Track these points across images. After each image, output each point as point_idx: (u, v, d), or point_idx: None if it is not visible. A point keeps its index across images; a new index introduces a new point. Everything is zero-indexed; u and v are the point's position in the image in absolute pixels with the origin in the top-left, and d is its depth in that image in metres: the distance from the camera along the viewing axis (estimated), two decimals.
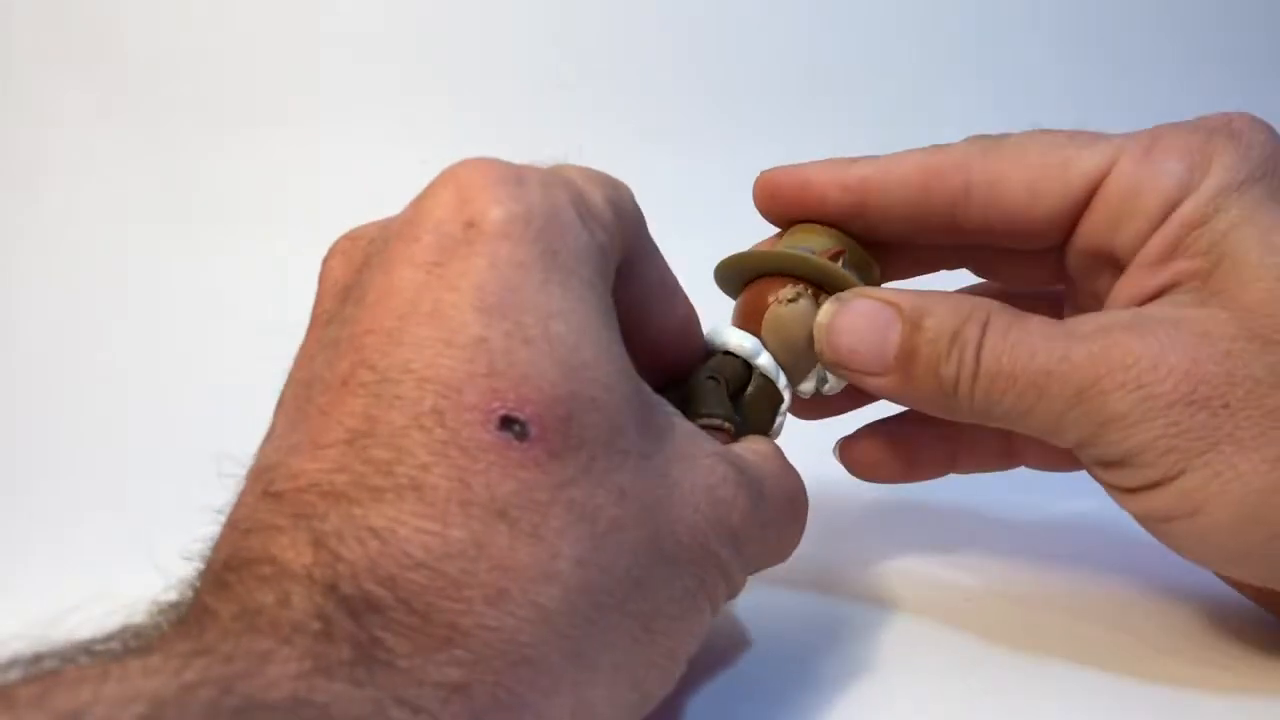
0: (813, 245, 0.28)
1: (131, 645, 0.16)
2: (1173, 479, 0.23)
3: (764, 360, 0.27)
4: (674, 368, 0.27)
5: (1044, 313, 0.28)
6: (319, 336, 0.21)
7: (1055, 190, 0.27)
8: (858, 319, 0.26)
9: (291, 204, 0.63)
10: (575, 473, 0.19)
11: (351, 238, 0.23)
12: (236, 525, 0.19)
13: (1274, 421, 0.22)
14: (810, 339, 0.27)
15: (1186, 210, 0.25)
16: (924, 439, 0.31)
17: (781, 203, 0.29)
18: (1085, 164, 0.26)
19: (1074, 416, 0.24)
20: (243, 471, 0.20)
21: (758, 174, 0.29)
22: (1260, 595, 0.28)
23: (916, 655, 0.28)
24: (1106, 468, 0.25)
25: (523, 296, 0.20)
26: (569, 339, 0.20)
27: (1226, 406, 0.23)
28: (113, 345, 0.55)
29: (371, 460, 0.18)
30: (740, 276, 0.29)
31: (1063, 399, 0.24)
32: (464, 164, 0.22)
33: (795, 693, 0.26)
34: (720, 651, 0.28)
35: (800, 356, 0.28)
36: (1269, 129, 0.26)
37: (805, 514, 0.26)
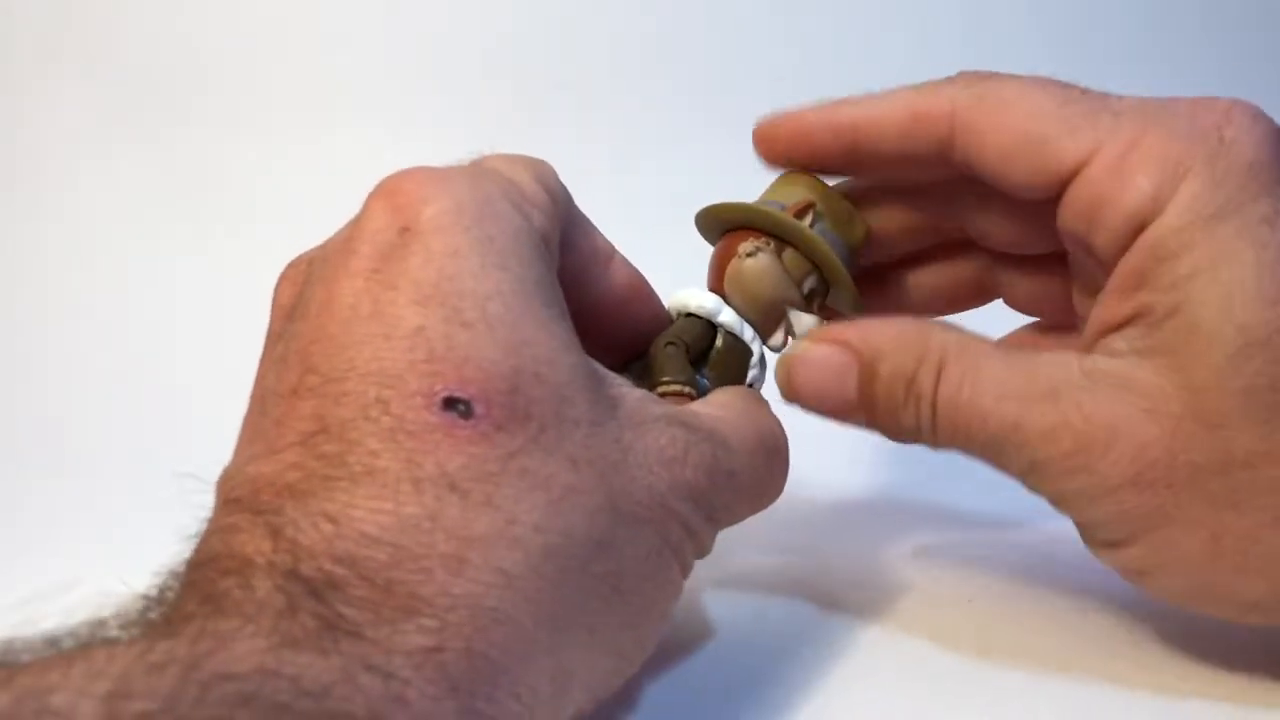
0: (784, 198, 0.28)
1: (99, 636, 0.16)
2: (1126, 545, 0.24)
3: (726, 316, 0.27)
4: (635, 338, 0.28)
5: (1051, 269, 0.29)
6: (269, 355, 0.22)
7: (1032, 168, 0.26)
8: (815, 370, 0.26)
9: (292, 204, 0.63)
10: (524, 443, 0.19)
11: (294, 263, 0.24)
12: (202, 534, 0.19)
13: (1213, 504, 0.23)
14: (773, 291, 0.27)
15: (1150, 238, 0.24)
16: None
17: (780, 149, 0.29)
18: (1062, 153, 0.25)
19: (1031, 481, 0.25)
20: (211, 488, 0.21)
21: (755, 122, 0.29)
22: None
23: (895, 661, 0.28)
24: (1074, 520, 0.25)
25: (459, 284, 0.20)
26: (508, 318, 0.20)
27: (1170, 487, 0.23)
28: (113, 345, 0.55)
29: (323, 455, 0.18)
30: (713, 231, 0.29)
31: (1018, 465, 0.25)
32: (393, 176, 0.22)
33: (777, 696, 0.27)
34: (697, 651, 0.28)
35: (765, 309, 0.27)
36: (1267, 130, 0.24)
37: (782, 456, 0.26)
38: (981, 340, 0.26)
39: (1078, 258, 0.28)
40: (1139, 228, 0.24)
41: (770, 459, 0.25)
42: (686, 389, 0.26)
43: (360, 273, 0.21)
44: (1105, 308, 0.25)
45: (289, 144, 0.65)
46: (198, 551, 0.19)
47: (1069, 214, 0.26)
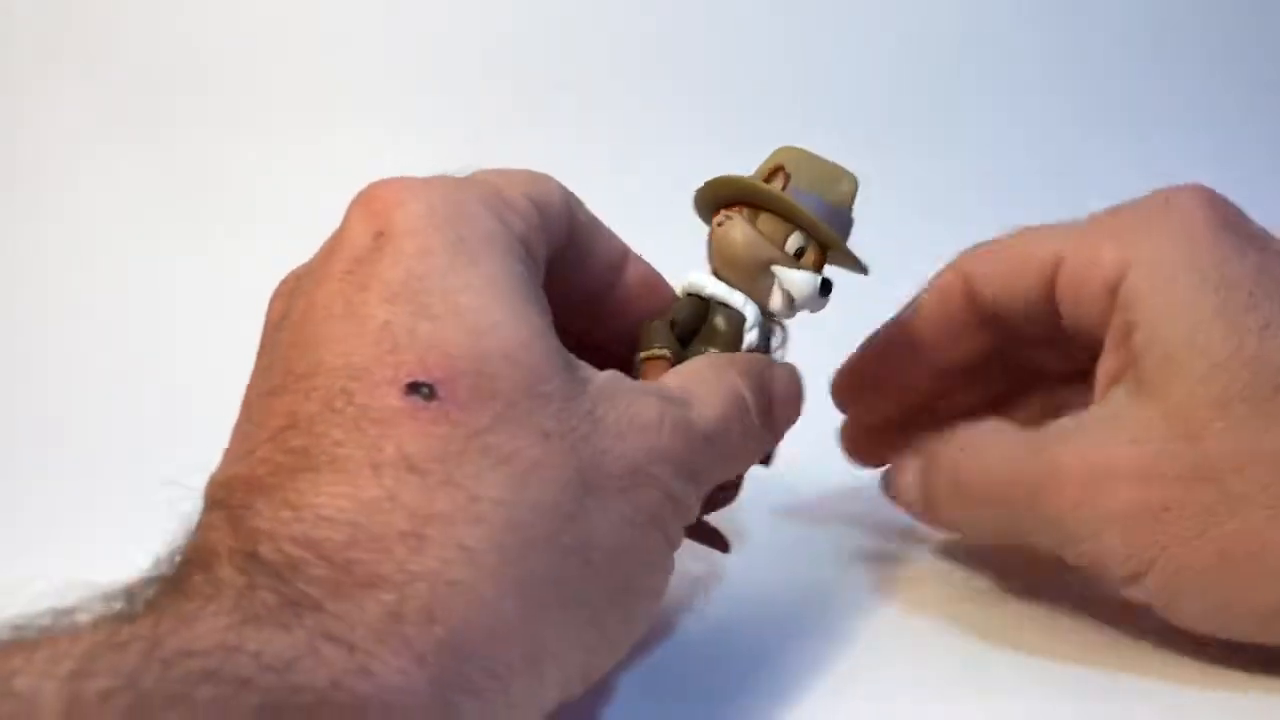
0: (759, 169, 0.29)
1: (64, 624, 0.16)
2: (1141, 577, 0.25)
3: (711, 288, 0.28)
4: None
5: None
6: (257, 366, 0.23)
7: (1025, 278, 0.29)
8: (904, 489, 0.30)
9: (292, 204, 0.64)
10: (489, 421, 0.19)
11: (285, 279, 0.25)
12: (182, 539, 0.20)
13: (1209, 518, 0.24)
14: (747, 254, 0.27)
15: (1125, 294, 0.27)
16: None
17: (849, 398, 0.34)
18: (1041, 253, 0.29)
19: (1046, 540, 0.27)
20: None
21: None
22: None
23: (908, 650, 0.28)
24: (1084, 569, 0.26)
25: (428, 281, 0.21)
26: (475, 306, 0.21)
27: (1168, 509, 0.24)
28: (112, 345, 0.55)
29: (291, 450, 0.19)
30: (708, 214, 0.29)
31: (1032, 525, 0.27)
32: (371, 186, 0.23)
33: (784, 684, 0.27)
34: (696, 642, 0.29)
35: (746, 273, 0.28)
36: (1209, 194, 0.27)
37: (751, 416, 0.26)
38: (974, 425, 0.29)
39: (1092, 352, 0.30)
40: (1112, 290, 0.27)
41: (742, 419, 0.25)
42: (664, 352, 0.27)
43: (335, 276, 0.21)
44: (1104, 366, 0.28)
45: (289, 144, 0.65)
46: (173, 554, 0.19)
47: (1062, 304, 0.29)
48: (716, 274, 0.28)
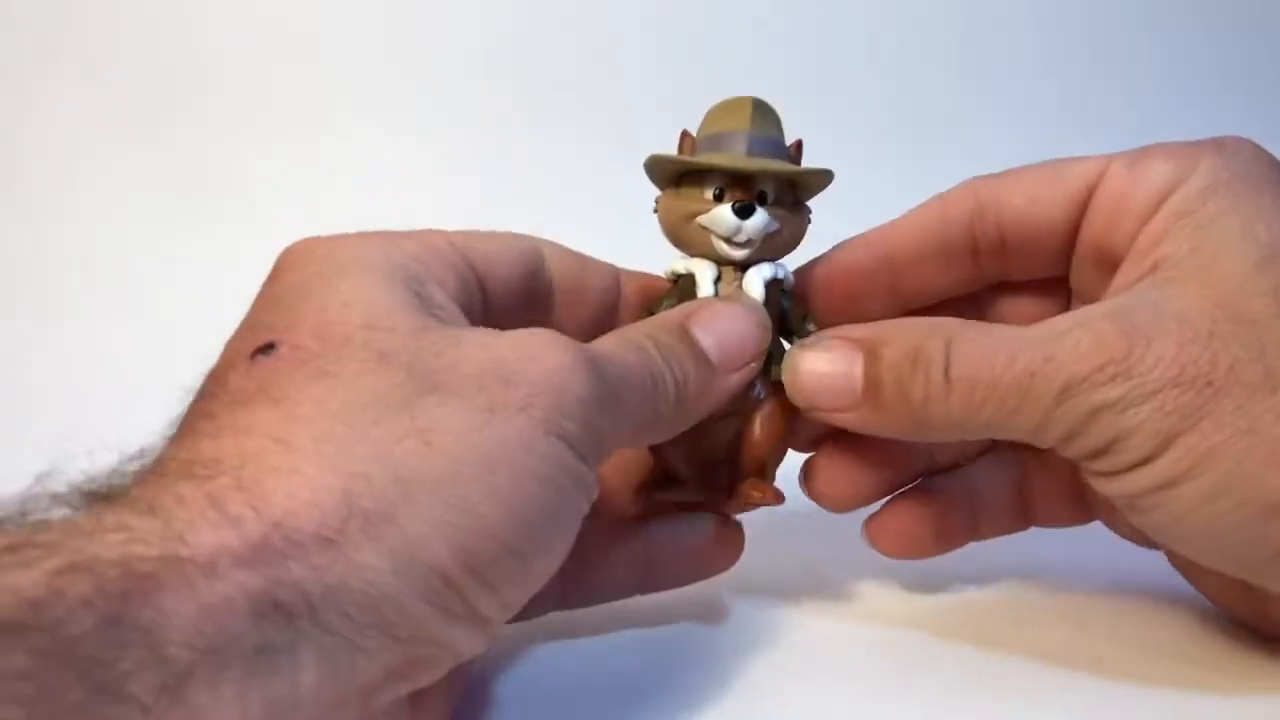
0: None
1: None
2: (1154, 458, 0.24)
3: (677, 264, 0.29)
4: None
5: (1055, 306, 0.30)
6: None
7: (1053, 198, 0.28)
8: (818, 362, 0.27)
9: (292, 204, 0.64)
10: (320, 349, 0.22)
11: None
12: None
13: (1251, 395, 0.24)
14: (670, 216, 0.29)
15: (1174, 203, 0.26)
16: (947, 507, 0.31)
17: (837, 309, 0.30)
18: (1079, 172, 0.28)
19: (1060, 413, 0.25)
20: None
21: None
22: (1221, 595, 0.29)
23: (907, 663, 0.28)
24: (1089, 456, 0.25)
25: (298, 289, 0.24)
26: (331, 294, 0.23)
27: (1210, 385, 0.24)
28: (112, 344, 0.55)
29: (173, 434, 0.22)
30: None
31: (1049, 397, 0.25)
32: (292, 244, 0.26)
33: (776, 688, 0.27)
34: (694, 647, 0.29)
35: (686, 238, 0.29)
36: (1258, 147, 0.27)
37: (665, 384, 0.26)
38: (979, 321, 0.27)
39: (1089, 281, 0.29)
40: (1160, 204, 0.27)
41: (655, 387, 0.25)
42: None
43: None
44: (1122, 274, 0.27)
45: (289, 144, 0.65)
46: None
47: (1093, 221, 0.28)
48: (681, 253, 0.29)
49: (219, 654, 0.17)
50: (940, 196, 0.30)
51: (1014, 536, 0.32)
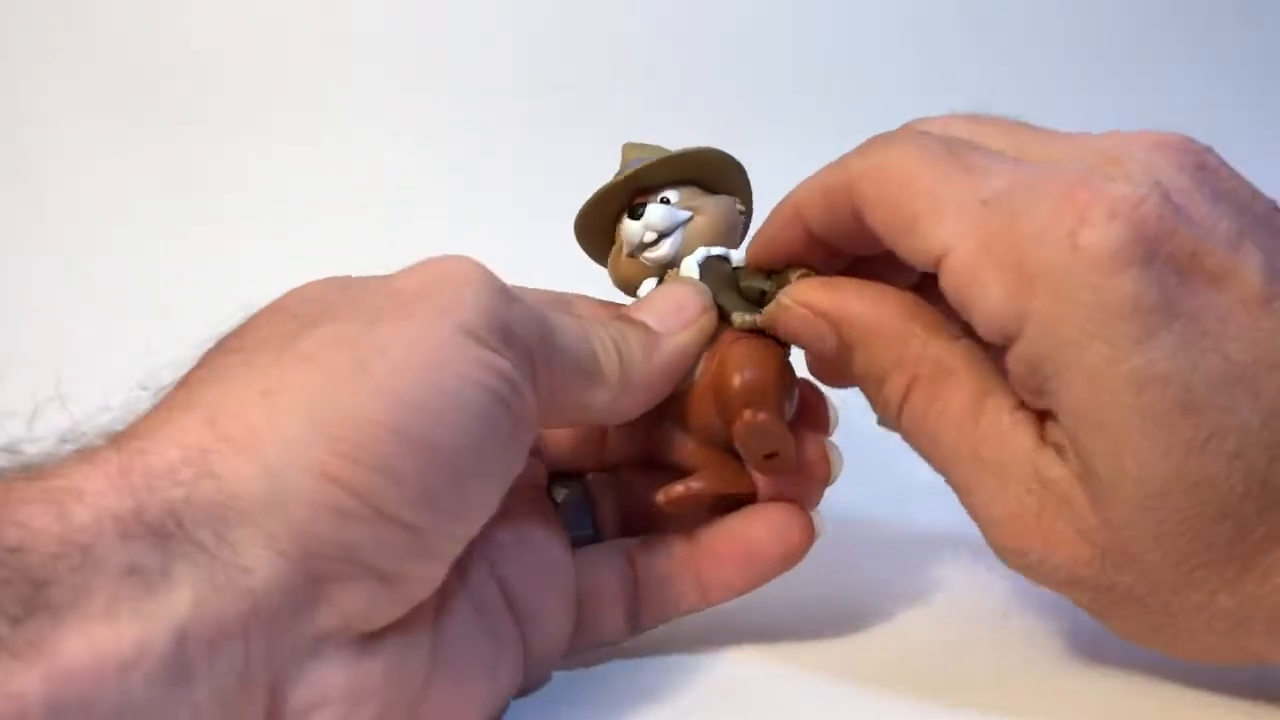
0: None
1: None
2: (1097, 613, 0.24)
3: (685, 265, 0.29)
4: None
5: None
6: None
7: (907, 247, 0.24)
8: (796, 323, 0.27)
9: (292, 204, 0.64)
10: (252, 338, 0.22)
11: None
12: None
13: (1148, 612, 0.23)
14: (616, 262, 0.30)
15: (1024, 357, 0.22)
16: None
17: (773, 259, 0.29)
18: (927, 239, 0.24)
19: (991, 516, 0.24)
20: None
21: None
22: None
23: (908, 672, 0.28)
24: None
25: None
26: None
27: (1110, 591, 0.23)
28: (111, 344, 0.55)
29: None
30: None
31: (970, 510, 0.25)
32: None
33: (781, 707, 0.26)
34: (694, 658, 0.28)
35: (626, 277, 0.30)
36: (1124, 230, 0.21)
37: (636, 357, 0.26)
38: (954, 360, 0.25)
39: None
40: (1005, 335, 0.23)
41: (585, 338, 0.25)
42: (751, 317, 0.27)
43: None
44: (1016, 389, 0.24)
45: (289, 144, 0.65)
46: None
47: (947, 299, 0.24)
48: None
49: (83, 571, 0.17)
50: (823, 178, 0.26)
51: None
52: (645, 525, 0.30)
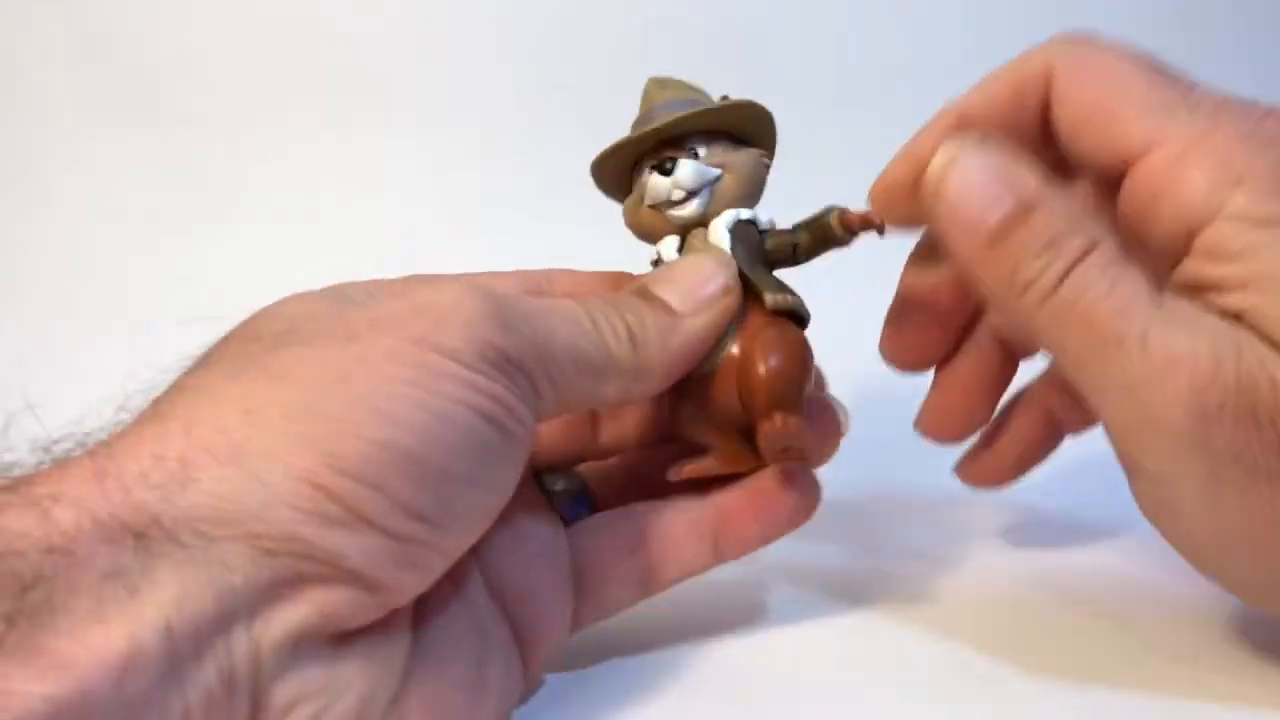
0: None
1: None
2: (1184, 515, 0.24)
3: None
4: None
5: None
6: None
7: (1098, 143, 0.26)
8: (975, 177, 0.25)
9: (292, 204, 0.64)
10: (226, 360, 0.22)
11: None
12: None
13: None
14: (633, 210, 0.29)
15: (1206, 242, 0.24)
16: (1019, 427, 0.32)
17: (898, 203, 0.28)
18: (1129, 135, 0.25)
19: (1125, 404, 0.23)
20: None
21: (870, 191, 0.29)
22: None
23: (915, 663, 0.28)
24: (1134, 460, 0.24)
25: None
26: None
27: (1270, 476, 0.22)
28: (111, 344, 0.55)
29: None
30: None
31: (1122, 379, 0.23)
32: None
33: (794, 691, 0.26)
34: (704, 647, 0.28)
35: (646, 229, 0.29)
36: None
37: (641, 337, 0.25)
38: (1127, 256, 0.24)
39: (1131, 247, 0.27)
40: (1192, 231, 0.24)
41: (591, 325, 0.25)
42: (784, 298, 0.27)
43: None
44: (1191, 271, 0.24)
45: (289, 144, 0.65)
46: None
47: (1127, 199, 0.25)
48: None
49: (69, 573, 0.17)
50: (1013, 74, 0.27)
51: (1025, 532, 0.32)
52: (646, 498, 0.29)
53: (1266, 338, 0.23)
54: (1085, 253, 0.24)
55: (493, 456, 0.22)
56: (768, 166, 0.29)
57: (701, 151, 0.28)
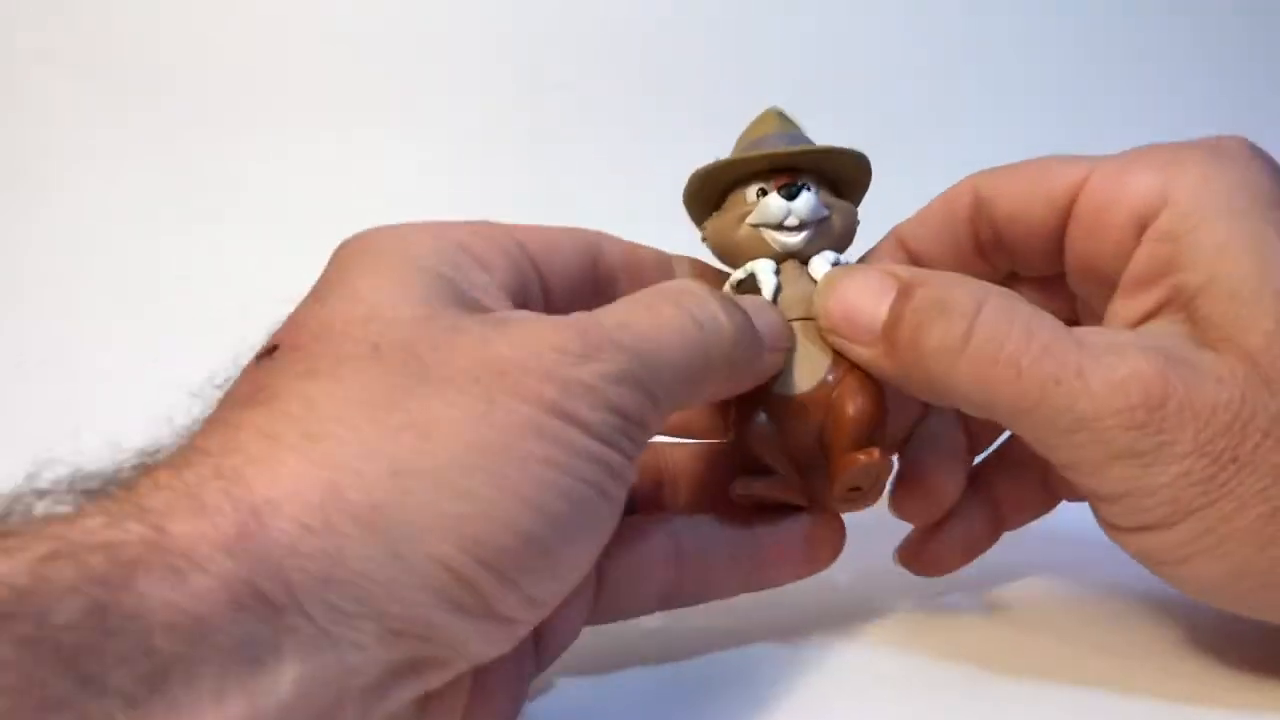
0: None
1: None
2: (1169, 526, 0.23)
3: (733, 276, 0.29)
4: None
5: (1064, 306, 0.29)
6: None
7: (1038, 201, 0.27)
8: (852, 288, 0.26)
9: (292, 204, 0.64)
10: (319, 350, 0.21)
11: None
12: None
13: (1276, 478, 0.22)
14: (725, 231, 0.29)
15: (1164, 226, 0.24)
16: (970, 513, 0.31)
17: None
18: (1063, 176, 0.27)
19: (1078, 440, 0.23)
20: None
21: None
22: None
23: (902, 678, 0.28)
24: (1097, 499, 0.24)
25: (324, 283, 0.23)
26: (336, 289, 0.23)
27: (1235, 460, 0.22)
28: (111, 344, 0.55)
29: (188, 438, 0.21)
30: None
31: (1069, 416, 0.23)
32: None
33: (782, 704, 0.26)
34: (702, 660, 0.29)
35: (737, 247, 0.29)
36: (1252, 150, 0.25)
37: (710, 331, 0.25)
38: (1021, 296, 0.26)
39: (1084, 291, 0.28)
40: (1144, 221, 0.25)
41: (697, 328, 0.24)
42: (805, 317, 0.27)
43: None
44: (1125, 305, 0.25)
45: (289, 144, 0.65)
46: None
47: (1075, 232, 0.27)
48: (732, 267, 0.29)
49: (197, 645, 0.17)
50: (944, 195, 0.29)
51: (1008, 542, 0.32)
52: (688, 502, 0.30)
53: (1207, 313, 0.23)
54: (980, 305, 0.24)
55: (606, 530, 0.22)
56: (858, 222, 0.30)
57: (812, 189, 0.28)
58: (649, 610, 0.28)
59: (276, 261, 0.51)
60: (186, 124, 0.65)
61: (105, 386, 0.50)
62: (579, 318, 0.22)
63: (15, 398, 0.49)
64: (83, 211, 0.63)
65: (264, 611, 0.17)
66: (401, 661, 0.19)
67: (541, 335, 0.21)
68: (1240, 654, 0.27)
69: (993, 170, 0.29)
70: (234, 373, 0.22)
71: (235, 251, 0.61)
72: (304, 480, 0.19)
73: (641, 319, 0.23)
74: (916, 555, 0.31)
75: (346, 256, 0.24)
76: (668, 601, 0.28)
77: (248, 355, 0.23)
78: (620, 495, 0.22)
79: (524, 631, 0.21)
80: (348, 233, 0.25)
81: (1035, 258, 0.29)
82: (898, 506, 0.30)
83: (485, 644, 0.20)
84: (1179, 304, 0.24)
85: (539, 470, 0.20)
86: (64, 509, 0.18)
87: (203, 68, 0.66)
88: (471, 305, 0.23)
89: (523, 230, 0.27)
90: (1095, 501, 0.25)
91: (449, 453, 0.20)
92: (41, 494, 0.20)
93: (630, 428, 0.22)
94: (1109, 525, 0.25)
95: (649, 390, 0.22)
